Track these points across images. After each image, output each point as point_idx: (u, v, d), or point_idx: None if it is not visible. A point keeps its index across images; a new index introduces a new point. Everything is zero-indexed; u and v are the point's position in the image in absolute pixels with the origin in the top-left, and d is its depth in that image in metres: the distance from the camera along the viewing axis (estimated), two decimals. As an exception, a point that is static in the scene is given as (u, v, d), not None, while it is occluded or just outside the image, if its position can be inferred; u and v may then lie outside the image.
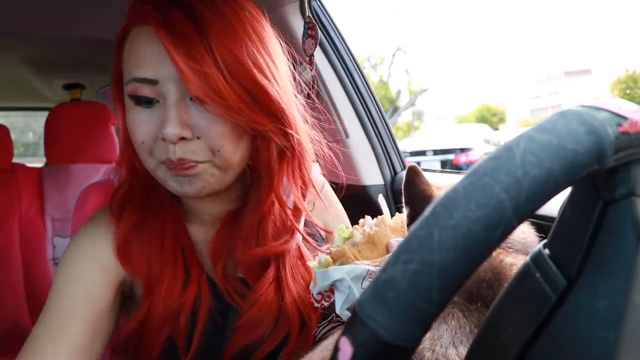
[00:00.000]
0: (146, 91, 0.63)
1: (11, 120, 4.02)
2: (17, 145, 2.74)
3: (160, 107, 0.64)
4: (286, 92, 0.69)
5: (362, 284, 0.57)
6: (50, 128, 1.85)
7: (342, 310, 0.59)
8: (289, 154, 0.71)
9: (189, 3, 0.62)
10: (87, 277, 0.69)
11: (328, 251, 0.82)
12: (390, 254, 0.59)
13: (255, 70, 0.63)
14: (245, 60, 0.62)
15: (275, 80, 0.66)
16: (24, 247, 1.70)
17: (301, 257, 0.77)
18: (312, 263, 0.61)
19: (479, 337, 0.40)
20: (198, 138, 0.63)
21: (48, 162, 1.89)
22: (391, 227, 0.62)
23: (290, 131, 0.68)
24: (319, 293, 0.61)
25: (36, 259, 1.69)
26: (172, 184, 0.66)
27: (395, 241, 0.60)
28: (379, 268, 0.58)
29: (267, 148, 0.69)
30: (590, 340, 0.30)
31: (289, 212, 0.75)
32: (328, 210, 0.89)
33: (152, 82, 0.63)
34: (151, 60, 0.62)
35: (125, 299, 0.75)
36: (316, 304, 0.63)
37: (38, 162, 2.79)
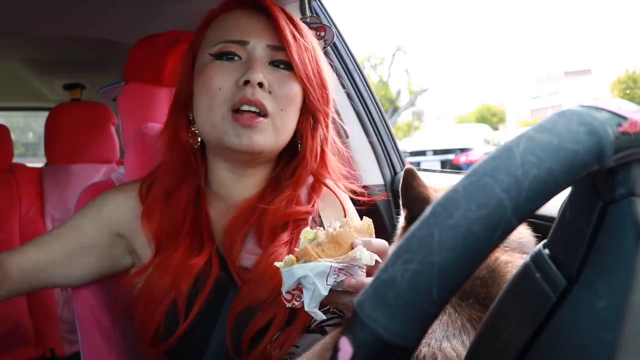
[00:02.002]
0: (234, 48, 0.78)
1: (11, 120, 4.01)
2: (17, 145, 2.74)
3: (242, 63, 0.78)
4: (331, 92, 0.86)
5: (327, 280, 0.60)
6: (50, 128, 1.85)
7: (309, 307, 0.61)
8: (327, 142, 0.86)
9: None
10: (90, 216, 0.82)
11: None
12: (352, 250, 0.60)
13: (319, 58, 0.83)
14: (311, 48, 0.82)
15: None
16: (24, 247, 1.70)
17: None
18: (278, 263, 0.64)
19: (479, 337, 0.40)
20: (270, 93, 0.77)
21: (48, 162, 1.89)
22: (357, 228, 0.65)
23: (327, 122, 0.85)
24: (288, 292, 0.63)
25: (36, 259, 1.68)
26: (231, 136, 0.76)
27: (360, 240, 0.63)
28: (342, 264, 0.60)
29: (314, 130, 0.84)
30: (590, 340, 0.30)
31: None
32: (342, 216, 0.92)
33: (243, 43, 0.79)
34: (246, 28, 0.80)
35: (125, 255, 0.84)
36: (287, 304, 0.64)
37: (38, 162, 2.79)
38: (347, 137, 1.28)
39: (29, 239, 1.67)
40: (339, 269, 0.60)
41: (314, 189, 0.89)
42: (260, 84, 0.75)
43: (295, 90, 0.79)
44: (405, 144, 10.65)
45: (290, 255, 0.63)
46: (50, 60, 1.95)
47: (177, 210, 0.81)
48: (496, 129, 24.45)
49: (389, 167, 1.31)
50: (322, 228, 0.66)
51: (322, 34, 1.15)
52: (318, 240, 0.63)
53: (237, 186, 0.86)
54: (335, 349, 0.28)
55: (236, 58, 0.79)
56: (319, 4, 1.24)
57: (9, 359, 1.64)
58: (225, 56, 0.78)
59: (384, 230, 1.21)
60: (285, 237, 0.79)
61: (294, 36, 0.79)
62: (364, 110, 1.30)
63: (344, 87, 1.28)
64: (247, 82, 0.75)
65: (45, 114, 1.90)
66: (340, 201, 0.92)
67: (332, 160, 0.88)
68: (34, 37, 1.61)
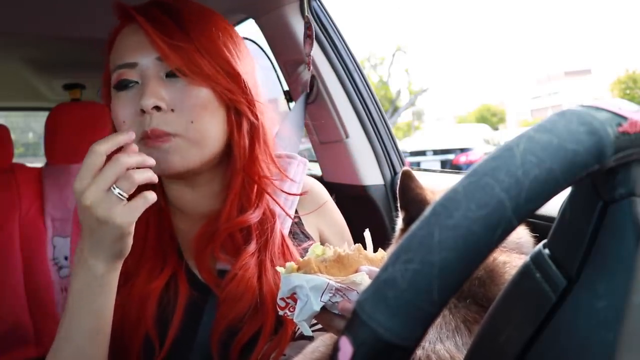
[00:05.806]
0: (127, 74, 0.72)
1: (11, 120, 4.02)
2: (17, 145, 2.74)
3: (139, 87, 0.72)
4: (251, 78, 0.78)
5: (321, 297, 0.58)
6: (50, 128, 1.84)
7: (298, 318, 0.60)
8: (258, 132, 0.78)
9: (170, 5, 0.74)
10: None
11: (310, 244, 0.84)
12: (354, 274, 0.59)
13: (224, 49, 0.74)
14: (217, 40, 0.73)
15: (241, 61, 0.76)
16: (24, 247, 1.70)
17: (284, 253, 0.79)
18: (279, 268, 0.63)
19: (479, 337, 0.40)
20: (172, 110, 0.70)
21: (48, 162, 1.89)
22: (368, 256, 0.64)
23: (254, 109, 0.77)
24: (282, 299, 0.62)
25: (36, 259, 1.68)
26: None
27: (367, 268, 0.61)
28: (340, 285, 0.58)
29: (239, 125, 0.76)
30: (590, 340, 0.30)
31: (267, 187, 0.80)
32: (324, 215, 0.91)
33: (132, 65, 0.71)
34: (132, 48, 0.72)
35: None
36: (280, 312, 0.63)
37: (38, 162, 2.79)
38: (347, 137, 1.29)
39: (29, 239, 1.70)
40: (336, 289, 0.59)
41: (256, 191, 0.80)
42: (158, 107, 0.69)
43: (202, 95, 0.71)
44: (405, 144, 10.66)
45: (292, 262, 0.63)
46: (50, 60, 1.95)
47: (137, 228, 0.70)
48: (496, 129, 24.46)
49: (389, 167, 1.31)
50: (330, 245, 0.65)
51: (310, 32, 1.15)
52: (324, 257, 0.62)
53: (195, 198, 0.81)
54: (335, 349, 0.28)
55: (131, 84, 0.72)
56: (319, 4, 1.24)
57: (9, 359, 1.64)
58: (122, 85, 0.72)
59: (383, 230, 1.21)
60: (252, 248, 0.76)
61: (170, 45, 0.69)
62: (364, 110, 1.30)
63: (343, 87, 1.28)
64: (143, 111, 0.69)
65: (45, 114, 1.90)
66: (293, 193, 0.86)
67: (264, 154, 0.80)
68: (34, 37, 1.60)
